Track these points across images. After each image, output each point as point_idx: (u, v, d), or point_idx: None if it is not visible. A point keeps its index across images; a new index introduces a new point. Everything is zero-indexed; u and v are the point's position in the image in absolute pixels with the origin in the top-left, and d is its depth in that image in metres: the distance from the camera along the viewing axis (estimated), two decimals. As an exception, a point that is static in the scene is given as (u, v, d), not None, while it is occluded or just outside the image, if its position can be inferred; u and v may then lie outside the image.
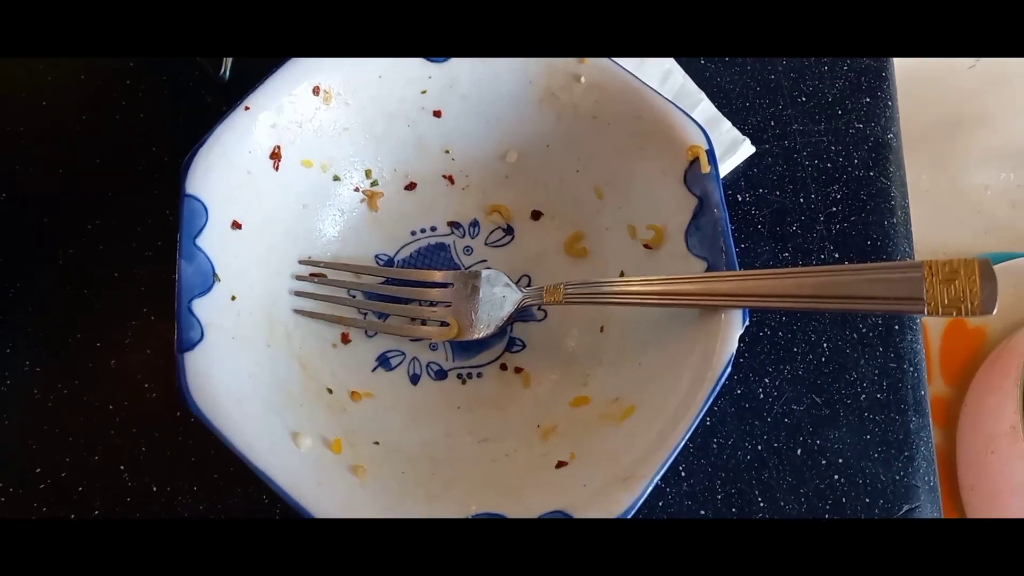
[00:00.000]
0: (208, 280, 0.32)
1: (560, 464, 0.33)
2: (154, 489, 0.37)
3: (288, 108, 0.35)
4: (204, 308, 0.31)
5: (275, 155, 0.35)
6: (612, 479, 0.31)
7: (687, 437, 0.30)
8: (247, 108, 0.34)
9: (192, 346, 0.30)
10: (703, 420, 0.31)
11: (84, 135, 0.42)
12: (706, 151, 0.34)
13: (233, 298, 0.33)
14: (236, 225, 0.34)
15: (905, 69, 0.48)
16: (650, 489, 0.30)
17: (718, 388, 0.31)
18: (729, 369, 0.31)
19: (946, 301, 0.28)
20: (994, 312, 0.28)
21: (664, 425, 0.31)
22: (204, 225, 0.32)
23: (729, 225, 0.33)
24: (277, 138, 0.35)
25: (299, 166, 0.36)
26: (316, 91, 0.36)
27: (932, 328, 0.67)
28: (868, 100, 0.45)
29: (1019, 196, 0.81)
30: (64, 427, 0.37)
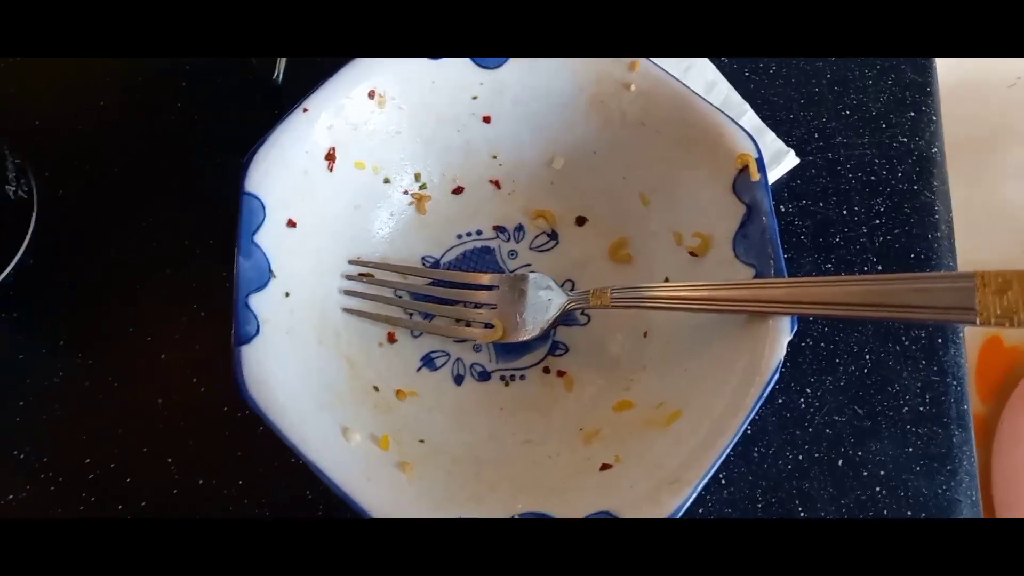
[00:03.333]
0: (264, 276, 0.33)
1: (605, 467, 0.33)
2: (200, 482, 0.37)
3: (345, 111, 0.36)
4: (260, 303, 0.32)
5: (330, 156, 0.36)
6: (658, 483, 0.31)
7: (735, 442, 0.30)
8: (306, 110, 0.34)
9: (249, 339, 0.31)
10: (745, 428, 0.31)
11: (139, 135, 0.43)
12: (756, 159, 0.34)
13: (287, 295, 0.34)
14: (291, 224, 0.34)
15: (946, 85, 0.48)
16: (697, 493, 0.30)
17: (767, 393, 0.31)
18: (777, 375, 0.31)
19: (998, 311, 0.28)
20: (1048, 324, 0.28)
21: (710, 430, 0.31)
22: (262, 222, 0.33)
23: (778, 233, 0.33)
24: (333, 140, 0.36)
25: (352, 168, 0.37)
26: (371, 95, 0.36)
27: (967, 346, 0.66)
28: (912, 114, 0.45)
29: (1056, 214, 0.81)
30: (114, 420, 0.38)
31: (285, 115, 0.34)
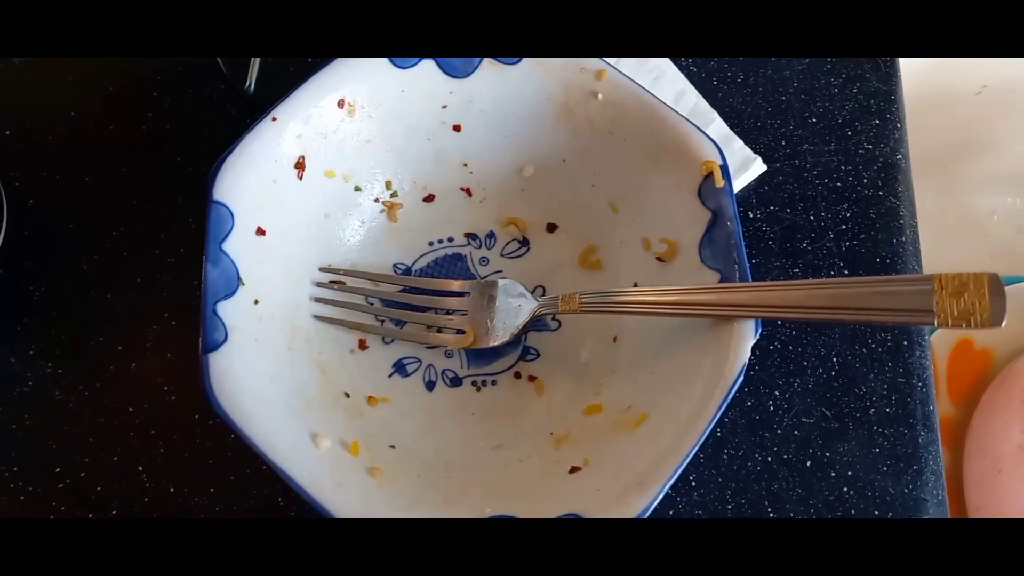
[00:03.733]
0: (233, 284, 0.33)
1: (574, 469, 0.33)
2: (171, 490, 0.37)
3: (314, 120, 0.36)
4: (228, 311, 0.32)
5: (300, 165, 0.36)
6: (625, 485, 0.31)
7: (700, 444, 0.31)
8: (274, 119, 0.35)
9: (216, 347, 0.31)
10: (714, 430, 0.32)
11: (110, 144, 0.43)
12: (720, 166, 0.35)
13: (256, 302, 0.34)
14: (260, 232, 0.35)
15: (913, 94, 0.49)
16: (663, 494, 0.30)
17: (730, 396, 0.31)
18: (741, 378, 0.32)
19: (955, 313, 0.29)
20: (1003, 324, 0.29)
21: (677, 433, 0.32)
22: (230, 230, 0.33)
23: (742, 238, 0.34)
24: (302, 148, 0.36)
25: (322, 176, 0.37)
26: (341, 104, 0.37)
27: (939, 348, 0.67)
28: (877, 122, 0.46)
29: (1025, 221, 0.82)
30: (84, 428, 0.38)
31: (254, 124, 0.34)
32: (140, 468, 0.38)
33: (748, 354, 0.32)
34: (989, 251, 0.80)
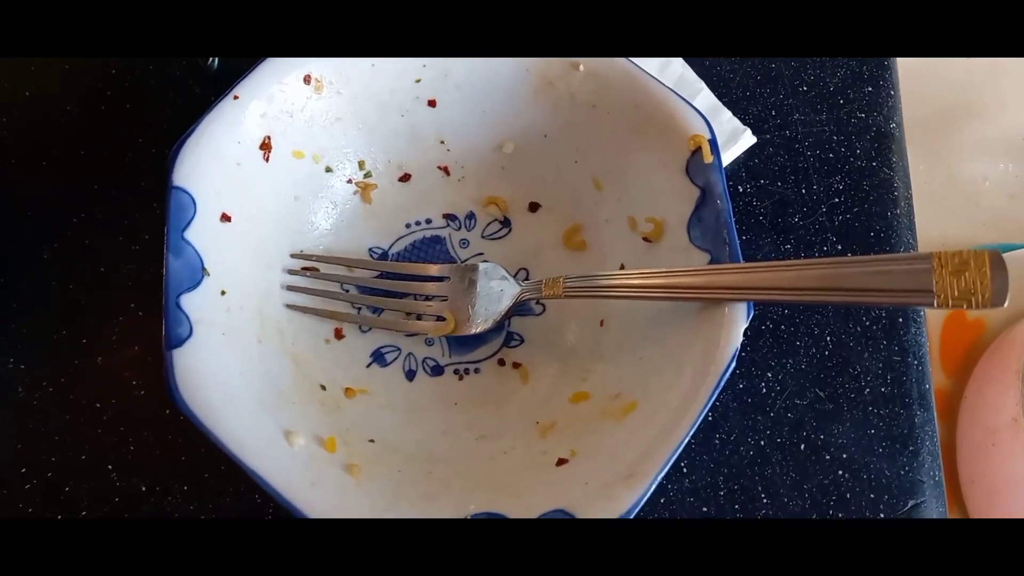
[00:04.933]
0: (197, 275, 0.31)
1: (561, 461, 0.32)
2: (143, 489, 0.36)
3: (279, 97, 0.34)
4: (193, 303, 0.30)
5: (265, 146, 0.34)
6: (614, 477, 0.30)
7: (691, 434, 0.29)
8: (236, 97, 0.33)
9: (181, 343, 0.30)
10: (705, 416, 0.30)
11: (68, 126, 0.41)
12: (708, 140, 0.33)
13: (223, 293, 0.32)
14: (225, 218, 0.33)
15: (902, 61, 0.47)
16: (653, 488, 0.29)
17: (722, 383, 0.30)
18: (734, 364, 0.30)
19: (956, 293, 0.28)
20: (1005, 304, 0.27)
21: (666, 421, 0.30)
22: (192, 218, 0.31)
23: (732, 217, 0.32)
24: (267, 128, 0.34)
25: (290, 157, 0.35)
26: (307, 80, 0.35)
27: (931, 319, 0.66)
28: (870, 90, 0.45)
29: (1017, 188, 0.81)
30: (50, 426, 0.37)
31: (214, 104, 0.32)
32: (110, 467, 0.36)
33: (740, 338, 0.31)
34: (981, 219, 0.79)
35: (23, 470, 0.36)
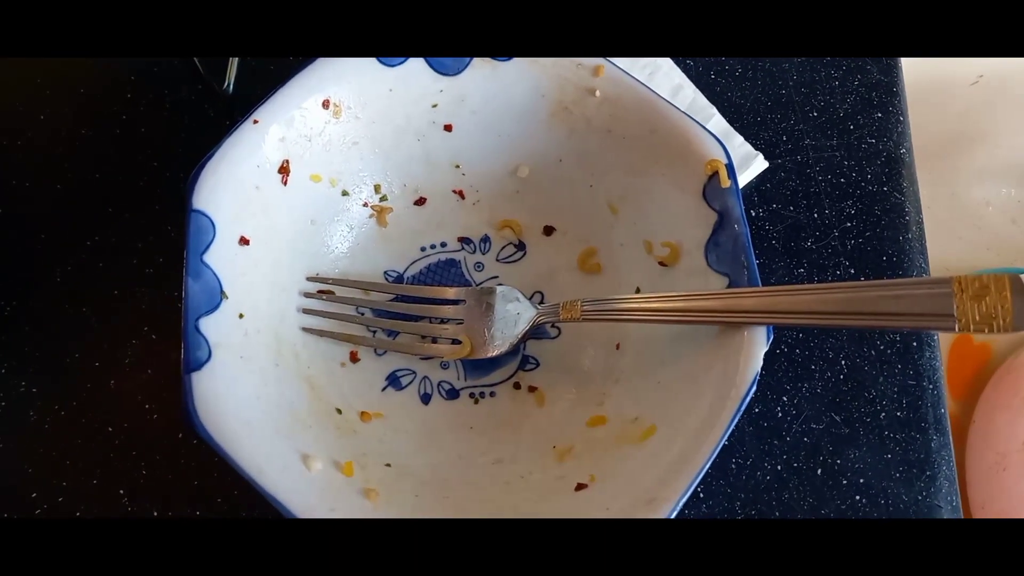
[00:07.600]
0: (215, 298, 0.31)
1: (580, 487, 0.32)
2: (155, 514, 0.36)
3: (298, 122, 0.34)
4: (212, 326, 0.30)
5: (284, 169, 0.34)
6: (635, 503, 0.29)
7: (713, 458, 0.29)
8: (256, 121, 0.33)
9: (199, 366, 0.29)
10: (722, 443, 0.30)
11: (83, 149, 0.41)
12: (725, 165, 0.33)
13: (241, 316, 0.32)
14: (244, 241, 0.33)
15: (908, 85, 0.48)
16: (676, 513, 0.29)
17: (743, 407, 0.30)
18: (754, 388, 0.30)
19: (977, 318, 0.28)
20: (1028, 329, 0.27)
21: (686, 446, 0.30)
22: (211, 241, 0.31)
23: (750, 240, 0.32)
24: (286, 152, 0.34)
25: (308, 181, 0.36)
26: (326, 104, 0.35)
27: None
28: (880, 115, 0.45)
29: (1020, 212, 0.81)
30: (61, 450, 0.36)
31: (234, 127, 0.32)
32: (121, 491, 0.36)
33: (760, 363, 0.31)
34: (984, 243, 0.79)
35: (34, 495, 0.36)
